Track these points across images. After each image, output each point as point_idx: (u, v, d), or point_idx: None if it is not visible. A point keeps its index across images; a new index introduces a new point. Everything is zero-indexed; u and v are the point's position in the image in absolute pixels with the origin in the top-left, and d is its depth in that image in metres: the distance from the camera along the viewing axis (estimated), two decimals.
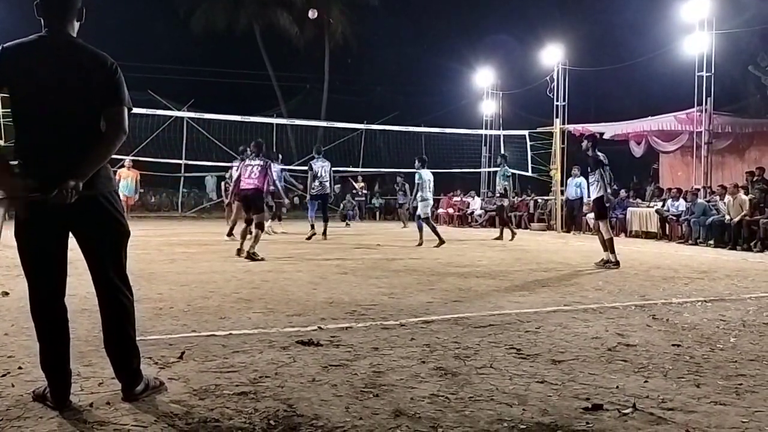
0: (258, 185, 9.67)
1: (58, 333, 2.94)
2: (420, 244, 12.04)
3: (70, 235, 2.98)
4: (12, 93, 2.92)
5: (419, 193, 12.27)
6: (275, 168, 12.04)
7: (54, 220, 2.89)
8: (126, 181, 17.00)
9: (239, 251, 9.55)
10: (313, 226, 13.41)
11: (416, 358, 3.85)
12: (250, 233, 9.70)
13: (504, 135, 22.69)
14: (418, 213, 12.48)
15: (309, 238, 13.00)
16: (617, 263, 8.86)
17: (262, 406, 2.96)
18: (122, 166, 17.36)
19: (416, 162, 12.69)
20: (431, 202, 12.81)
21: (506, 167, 14.92)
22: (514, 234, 14.41)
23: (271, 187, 11.09)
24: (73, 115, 2.91)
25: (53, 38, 2.94)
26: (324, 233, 13.54)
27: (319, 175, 13.54)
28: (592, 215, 16.87)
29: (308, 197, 14.53)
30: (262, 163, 9.72)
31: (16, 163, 2.95)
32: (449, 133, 23.34)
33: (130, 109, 3.01)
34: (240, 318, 5.00)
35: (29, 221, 2.89)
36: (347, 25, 32.17)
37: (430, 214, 12.77)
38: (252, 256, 9.15)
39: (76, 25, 3.03)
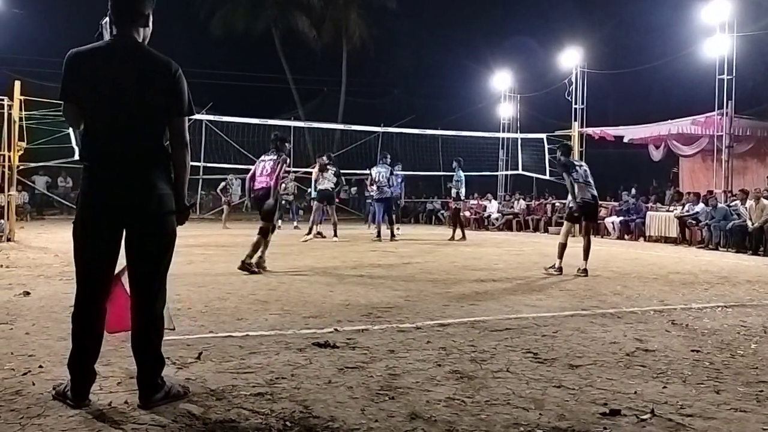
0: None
1: (95, 332, 3.01)
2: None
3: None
4: (80, 98, 2.99)
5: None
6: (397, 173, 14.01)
7: (112, 222, 2.98)
8: None
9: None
10: (379, 230, 14.29)
11: (432, 361, 3.85)
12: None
13: (521, 138, 22.59)
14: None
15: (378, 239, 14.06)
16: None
17: (278, 407, 2.98)
18: None
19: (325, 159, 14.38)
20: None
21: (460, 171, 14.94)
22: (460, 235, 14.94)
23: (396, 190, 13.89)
24: (136, 120, 2.98)
25: (120, 43, 3.02)
26: (392, 235, 14.30)
27: (376, 180, 14.31)
28: (615, 219, 16.79)
29: (372, 201, 15.58)
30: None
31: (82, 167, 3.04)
32: (466, 136, 23.26)
33: (191, 115, 3.18)
34: (257, 319, 5.03)
35: (90, 221, 2.97)
36: (364, 28, 32.25)
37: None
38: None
39: (144, 31, 3.10)
